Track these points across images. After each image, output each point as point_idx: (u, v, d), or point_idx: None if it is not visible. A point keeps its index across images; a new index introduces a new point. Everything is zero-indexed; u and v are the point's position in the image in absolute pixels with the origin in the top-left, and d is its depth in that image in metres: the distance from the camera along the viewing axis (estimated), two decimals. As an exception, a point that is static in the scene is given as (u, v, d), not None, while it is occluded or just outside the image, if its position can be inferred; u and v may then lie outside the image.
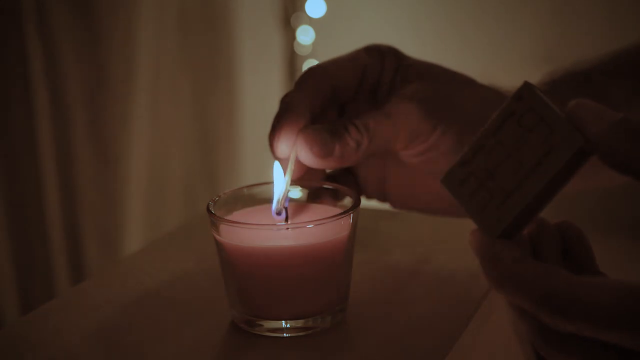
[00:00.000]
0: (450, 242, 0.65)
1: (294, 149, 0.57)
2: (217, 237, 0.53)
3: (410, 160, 0.59)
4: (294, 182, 0.57)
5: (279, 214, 0.55)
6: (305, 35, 1.70)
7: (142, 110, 1.42)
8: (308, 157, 0.56)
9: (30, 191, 1.27)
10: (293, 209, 0.56)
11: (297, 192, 0.58)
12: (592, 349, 0.42)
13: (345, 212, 0.53)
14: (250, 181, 0.59)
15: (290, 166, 0.56)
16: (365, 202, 0.61)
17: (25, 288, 1.28)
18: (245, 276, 0.53)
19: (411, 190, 0.62)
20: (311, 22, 1.70)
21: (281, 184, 0.56)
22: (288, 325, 0.53)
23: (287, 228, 0.53)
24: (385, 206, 0.74)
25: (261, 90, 1.78)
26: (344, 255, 0.53)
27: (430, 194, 0.62)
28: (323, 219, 0.52)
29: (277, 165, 0.56)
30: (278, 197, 0.55)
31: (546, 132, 0.42)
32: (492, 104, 0.59)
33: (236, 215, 0.56)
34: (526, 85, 0.43)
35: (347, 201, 0.55)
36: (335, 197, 0.57)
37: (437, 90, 0.59)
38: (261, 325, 0.53)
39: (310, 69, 0.60)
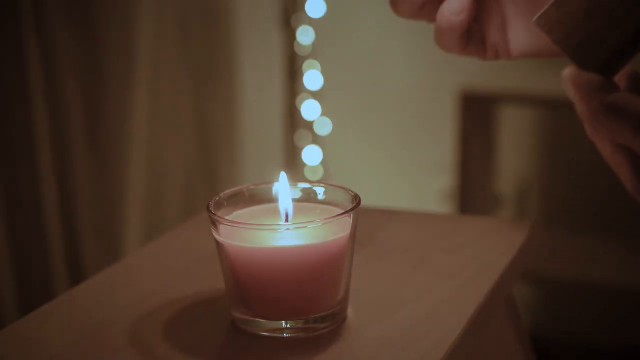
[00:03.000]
0: (449, 242, 0.65)
1: None
2: (217, 237, 0.53)
3: None
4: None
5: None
6: (305, 35, 1.70)
7: (141, 111, 1.42)
8: None
9: (29, 192, 1.27)
10: (293, 209, 0.56)
11: (297, 192, 0.58)
12: None
13: (345, 212, 0.53)
14: (250, 181, 0.59)
15: None
16: (365, 202, 0.61)
17: (25, 288, 1.28)
18: (245, 276, 0.53)
19: (530, 27, 0.62)
20: (311, 22, 1.70)
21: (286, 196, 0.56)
22: (288, 325, 0.53)
23: (287, 228, 0.53)
24: (385, 206, 0.74)
25: (261, 90, 1.78)
26: (344, 255, 0.53)
27: None
28: (323, 218, 0.52)
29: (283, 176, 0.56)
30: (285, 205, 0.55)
31: None
32: None
33: (236, 215, 0.56)
34: None
35: (348, 201, 0.55)
36: None
37: None
38: (261, 326, 0.53)
39: None
